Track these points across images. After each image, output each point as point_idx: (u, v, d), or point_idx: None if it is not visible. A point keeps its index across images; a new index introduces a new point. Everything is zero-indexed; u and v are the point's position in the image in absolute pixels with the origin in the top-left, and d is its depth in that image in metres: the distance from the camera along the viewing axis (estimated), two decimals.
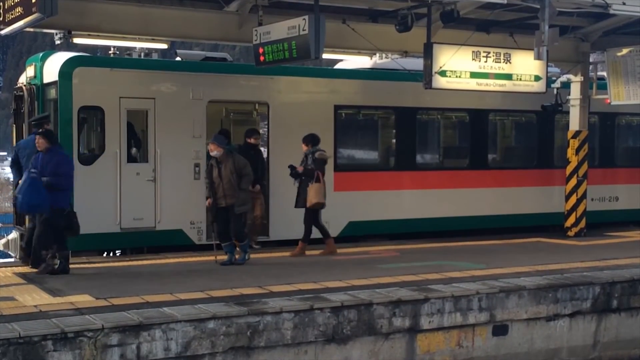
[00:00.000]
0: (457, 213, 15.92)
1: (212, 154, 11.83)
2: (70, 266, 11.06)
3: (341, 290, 9.78)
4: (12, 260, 14.29)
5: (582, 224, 15.96)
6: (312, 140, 13.07)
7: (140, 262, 11.80)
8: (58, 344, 7.57)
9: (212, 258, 12.05)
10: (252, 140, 13.69)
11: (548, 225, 16.64)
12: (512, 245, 14.55)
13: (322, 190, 12.80)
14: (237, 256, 11.88)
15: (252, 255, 12.57)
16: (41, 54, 13.87)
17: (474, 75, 13.14)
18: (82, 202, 12.46)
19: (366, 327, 9.24)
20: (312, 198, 12.68)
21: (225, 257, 11.84)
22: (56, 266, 10.75)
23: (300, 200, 12.90)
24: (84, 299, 9.04)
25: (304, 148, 13.02)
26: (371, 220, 15.13)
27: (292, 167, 12.89)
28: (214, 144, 11.81)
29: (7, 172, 23.82)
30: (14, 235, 14.43)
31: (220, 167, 11.71)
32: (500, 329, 10.18)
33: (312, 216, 12.97)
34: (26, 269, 11.24)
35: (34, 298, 9.14)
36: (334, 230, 14.70)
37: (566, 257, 12.99)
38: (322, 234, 13.17)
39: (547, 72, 14.01)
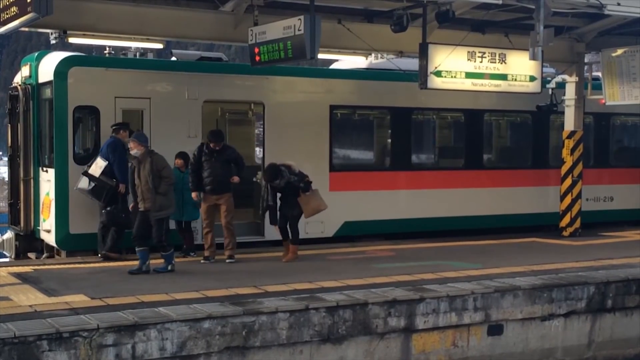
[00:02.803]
0: (452, 213, 15.93)
1: (132, 152, 11.13)
2: (65, 266, 11.05)
3: (336, 290, 9.79)
4: (7, 260, 14.27)
5: (577, 224, 15.99)
6: (276, 173, 12.14)
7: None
8: (53, 343, 7.57)
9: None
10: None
11: (543, 225, 16.66)
12: (507, 245, 14.58)
13: (319, 195, 12.50)
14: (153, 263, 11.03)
15: (248, 255, 12.58)
16: (36, 54, 13.86)
17: (469, 75, 13.16)
18: (77, 202, 12.45)
19: (361, 327, 9.26)
20: (316, 206, 12.38)
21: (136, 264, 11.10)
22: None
23: (296, 212, 12.31)
24: (79, 299, 9.04)
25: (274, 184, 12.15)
26: (367, 220, 15.14)
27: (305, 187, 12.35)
28: (134, 141, 11.05)
29: (3, 172, 23.76)
30: (9, 235, 14.42)
31: (139, 168, 10.98)
32: (495, 329, 10.20)
33: (297, 220, 12.48)
34: (21, 269, 11.22)
35: (29, 298, 9.14)
36: (330, 230, 14.75)
37: (561, 257, 13.02)
38: (293, 236, 12.51)
39: (542, 73, 14.03)
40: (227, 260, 12.04)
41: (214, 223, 12.24)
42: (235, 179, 12.18)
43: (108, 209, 12.11)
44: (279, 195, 12.32)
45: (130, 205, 11.43)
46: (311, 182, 12.39)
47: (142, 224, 11.00)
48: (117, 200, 12.20)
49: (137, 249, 11.04)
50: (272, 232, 14.05)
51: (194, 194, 12.21)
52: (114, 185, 12.13)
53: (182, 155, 12.62)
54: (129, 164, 11.48)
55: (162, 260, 11.12)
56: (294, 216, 12.38)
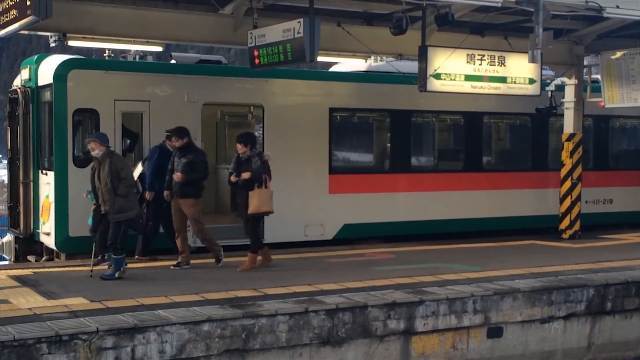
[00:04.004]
0: (451, 215, 15.93)
1: (92, 153, 10.81)
2: (64, 269, 11.04)
3: (336, 292, 9.79)
4: (6, 262, 14.27)
5: (577, 226, 15.99)
6: (252, 140, 11.76)
7: (134, 265, 11.77)
8: (53, 346, 7.57)
9: (208, 260, 12.04)
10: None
11: (543, 227, 16.67)
12: (506, 248, 14.58)
13: (268, 196, 11.42)
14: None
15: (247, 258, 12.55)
16: (36, 57, 13.87)
17: (468, 78, 13.16)
18: (77, 205, 12.45)
19: (361, 330, 9.26)
20: (260, 205, 11.31)
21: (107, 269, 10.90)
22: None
23: (244, 208, 11.57)
24: (78, 302, 9.04)
25: (241, 149, 11.49)
26: (366, 223, 15.14)
27: (239, 179, 11.46)
28: (95, 141, 10.74)
29: (2, 175, 23.75)
30: (8, 237, 14.42)
31: (99, 169, 10.68)
32: (494, 331, 10.20)
33: (255, 224, 11.71)
34: (21, 272, 11.22)
35: (28, 301, 9.13)
36: (329, 233, 14.75)
37: (560, 259, 13.02)
38: (252, 246, 11.77)
39: (541, 75, 14.03)
40: (219, 264, 11.89)
41: (185, 228, 11.96)
42: (177, 175, 11.59)
43: (143, 217, 12.08)
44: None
45: (92, 208, 11.17)
46: (263, 176, 11.39)
47: (107, 228, 10.73)
48: (143, 206, 12.14)
49: (106, 256, 10.86)
50: (271, 235, 14.07)
51: (165, 193, 11.95)
52: (140, 191, 12.10)
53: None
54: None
55: (163, 264, 11.08)
56: (245, 217, 11.65)
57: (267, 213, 11.57)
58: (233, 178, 11.47)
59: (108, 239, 10.63)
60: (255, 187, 11.31)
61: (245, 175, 11.30)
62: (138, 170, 12.35)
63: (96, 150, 10.71)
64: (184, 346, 8.23)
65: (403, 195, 15.59)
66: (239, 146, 11.53)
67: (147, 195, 12.21)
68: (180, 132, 11.87)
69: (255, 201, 11.29)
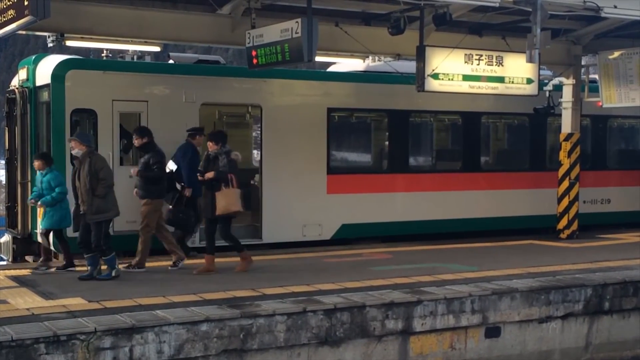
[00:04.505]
0: (449, 215, 15.94)
1: (73, 152, 10.74)
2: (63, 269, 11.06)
3: (334, 292, 9.79)
4: (4, 263, 14.26)
5: (575, 226, 16.00)
6: (223, 138, 11.59)
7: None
8: (50, 347, 7.57)
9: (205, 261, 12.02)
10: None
11: (540, 227, 16.68)
12: (504, 248, 14.58)
13: (235, 196, 11.17)
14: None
15: None
16: (34, 57, 13.86)
17: (466, 78, 13.17)
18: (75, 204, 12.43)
19: (359, 330, 9.26)
20: (228, 205, 11.07)
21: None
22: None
23: (209, 209, 11.26)
24: (76, 302, 9.04)
25: (212, 147, 11.38)
26: (364, 223, 15.15)
27: (201, 173, 11.37)
28: (75, 141, 10.63)
29: (0, 175, 23.73)
30: (6, 238, 14.40)
31: (80, 169, 10.57)
32: (492, 331, 10.20)
33: (226, 226, 11.42)
34: (19, 272, 11.21)
35: (26, 301, 9.13)
36: (327, 233, 14.75)
37: (558, 259, 13.03)
38: (234, 246, 11.62)
39: (539, 75, 14.05)
40: (130, 269, 11.35)
41: (162, 227, 11.87)
42: (133, 171, 11.53)
43: (172, 209, 12.34)
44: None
45: (73, 209, 11.06)
46: (229, 176, 11.15)
47: (86, 228, 10.61)
48: (183, 203, 12.37)
49: (85, 255, 10.70)
50: (270, 235, 14.09)
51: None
52: (180, 189, 12.26)
53: (42, 156, 11.69)
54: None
55: (162, 265, 11.09)
56: (208, 218, 11.45)
57: (237, 213, 11.36)
58: (200, 177, 11.35)
59: (91, 241, 10.53)
60: (222, 187, 11.12)
61: (209, 175, 11.17)
62: (170, 168, 12.45)
63: (76, 150, 10.61)
64: (182, 346, 8.23)
65: (401, 196, 15.59)
66: (209, 144, 11.45)
67: (187, 192, 12.35)
68: (141, 131, 11.85)
69: (223, 201, 11.10)
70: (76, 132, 11.19)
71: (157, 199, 11.70)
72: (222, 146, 11.37)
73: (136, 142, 11.79)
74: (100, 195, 10.46)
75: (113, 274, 10.61)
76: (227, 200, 11.08)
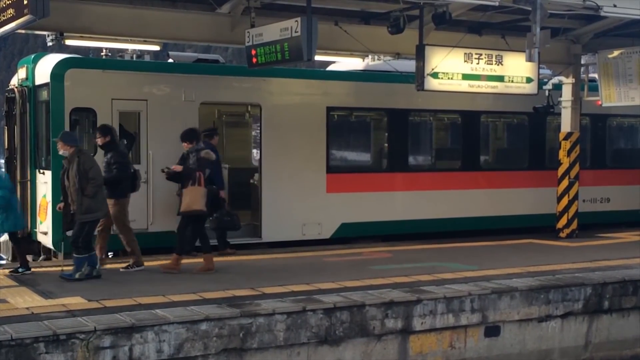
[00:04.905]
0: (449, 214, 15.94)
1: (59, 153, 10.63)
2: (61, 268, 11.05)
3: (334, 291, 9.79)
4: (4, 262, 14.25)
5: (574, 225, 16.00)
6: (194, 136, 11.54)
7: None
8: (50, 346, 7.57)
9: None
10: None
11: (540, 226, 16.68)
12: (504, 247, 14.59)
13: (200, 195, 11.10)
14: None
15: (245, 257, 12.57)
16: (33, 56, 13.85)
17: (466, 77, 13.18)
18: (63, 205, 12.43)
19: (359, 329, 9.26)
20: (191, 203, 11.03)
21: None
22: None
23: (178, 206, 11.38)
24: (76, 301, 9.03)
25: (186, 146, 11.46)
26: (364, 222, 15.15)
27: (167, 170, 11.50)
28: (59, 142, 10.55)
29: None
30: (5, 237, 14.36)
31: (68, 169, 10.45)
32: (492, 330, 10.20)
33: (198, 224, 11.42)
34: (131, 269, 11.24)
35: (25, 300, 9.13)
36: (327, 232, 14.75)
37: (558, 258, 13.03)
38: (202, 246, 11.55)
39: (538, 74, 14.05)
40: (130, 269, 11.31)
41: (109, 228, 11.69)
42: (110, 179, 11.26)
43: (215, 215, 12.36)
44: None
45: (58, 206, 10.98)
46: (196, 173, 11.14)
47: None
48: (219, 204, 12.47)
49: (74, 255, 10.55)
50: (269, 234, 14.09)
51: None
52: (215, 191, 12.15)
53: None
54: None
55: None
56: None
57: (199, 212, 11.23)
58: (165, 172, 11.42)
59: (72, 236, 10.41)
60: (188, 185, 11.10)
61: (176, 167, 11.23)
62: None
63: (61, 150, 10.53)
64: (181, 345, 8.23)
65: (400, 195, 15.59)
66: (183, 145, 11.51)
67: (222, 193, 12.69)
68: (104, 129, 11.65)
69: (187, 199, 11.07)
70: (60, 133, 11.03)
71: (123, 198, 11.47)
72: (197, 144, 11.40)
73: (99, 140, 11.54)
74: (89, 194, 10.35)
75: (77, 276, 10.40)
76: (191, 198, 11.05)
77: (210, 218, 12.33)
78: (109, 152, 11.47)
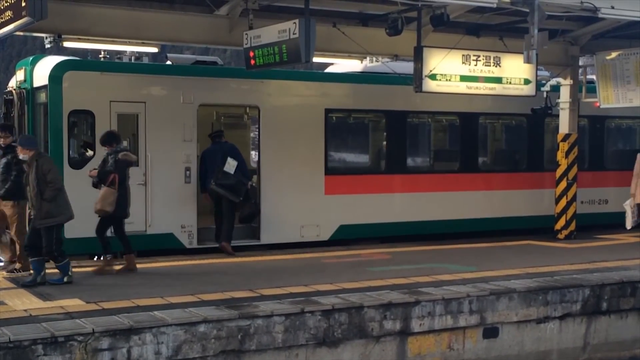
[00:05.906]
0: (447, 216, 15.94)
1: (20, 157, 10.33)
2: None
3: (332, 293, 9.79)
4: (2, 264, 14.22)
5: (572, 226, 16.01)
6: (113, 139, 11.45)
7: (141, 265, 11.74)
8: (48, 348, 7.56)
9: (204, 262, 12.01)
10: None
11: (538, 228, 16.68)
12: (502, 248, 14.59)
13: (112, 197, 11.09)
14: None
15: (244, 259, 12.56)
16: (31, 58, 13.85)
17: (464, 78, 13.17)
18: (72, 206, 12.41)
19: (357, 330, 9.26)
20: (103, 205, 11.10)
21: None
22: None
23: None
24: (74, 303, 9.03)
25: (108, 149, 11.42)
26: (362, 224, 15.14)
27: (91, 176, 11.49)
28: (19, 147, 10.30)
29: None
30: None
31: (29, 172, 10.14)
32: (490, 332, 10.21)
33: (119, 225, 11.55)
34: (17, 273, 11.17)
35: (24, 302, 9.12)
36: (325, 234, 14.74)
37: (556, 259, 13.04)
38: (124, 246, 11.65)
39: (536, 76, 14.05)
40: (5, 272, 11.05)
41: (3, 229, 11.53)
42: (93, 172, 11.39)
43: (254, 202, 13.59)
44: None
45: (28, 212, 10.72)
46: (111, 175, 11.17)
47: (33, 232, 10.21)
48: (249, 196, 13.42)
49: (30, 259, 10.36)
50: (268, 236, 14.08)
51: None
52: (247, 183, 13.24)
53: None
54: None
55: (161, 265, 11.06)
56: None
57: (106, 213, 11.24)
58: (93, 172, 11.45)
59: (42, 247, 10.10)
60: (102, 186, 11.21)
61: (91, 173, 11.43)
62: (233, 165, 13.15)
63: (21, 155, 10.23)
64: (179, 347, 8.22)
65: (399, 196, 15.59)
66: (104, 147, 11.54)
67: (248, 184, 13.44)
68: (9, 129, 11.46)
69: (100, 199, 11.18)
70: (19, 138, 10.77)
71: (24, 199, 10.82)
72: (117, 146, 11.39)
73: (2, 141, 11.11)
74: (48, 198, 10.03)
75: (65, 279, 10.30)
76: (102, 199, 11.15)
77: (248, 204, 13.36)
78: (11, 153, 10.94)
